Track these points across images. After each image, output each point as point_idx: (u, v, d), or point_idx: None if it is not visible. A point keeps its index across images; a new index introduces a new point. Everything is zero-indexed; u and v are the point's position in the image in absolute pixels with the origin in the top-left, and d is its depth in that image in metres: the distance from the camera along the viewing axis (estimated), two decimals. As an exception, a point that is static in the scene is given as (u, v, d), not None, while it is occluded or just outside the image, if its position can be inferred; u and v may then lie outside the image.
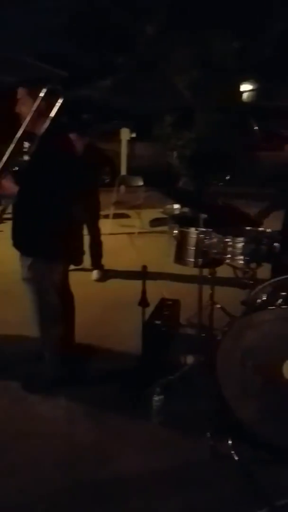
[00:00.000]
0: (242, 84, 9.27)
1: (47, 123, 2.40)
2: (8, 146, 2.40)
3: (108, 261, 4.68)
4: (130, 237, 6.06)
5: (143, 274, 2.75)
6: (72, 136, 4.28)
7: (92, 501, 1.97)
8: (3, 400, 2.62)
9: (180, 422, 2.43)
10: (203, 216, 2.69)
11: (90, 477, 2.10)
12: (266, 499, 1.77)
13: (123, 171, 8.97)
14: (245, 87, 10.62)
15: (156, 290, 4.08)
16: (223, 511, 1.93)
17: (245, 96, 10.04)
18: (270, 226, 2.74)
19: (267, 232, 2.67)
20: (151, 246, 5.51)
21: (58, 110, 2.39)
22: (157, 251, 4.88)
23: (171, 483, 2.08)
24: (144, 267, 2.75)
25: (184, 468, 2.16)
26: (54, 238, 2.50)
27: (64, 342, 2.71)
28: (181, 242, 2.90)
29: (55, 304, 2.60)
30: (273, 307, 1.58)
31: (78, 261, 2.84)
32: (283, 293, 1.78)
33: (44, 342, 2.70)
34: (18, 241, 2.58)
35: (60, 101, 2.40)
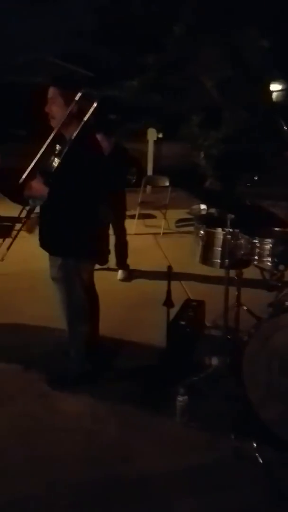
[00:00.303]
0: (271, 84, 9.13)
1: (78, 126, 2.42)
2: (39, 147, 2.43)
3: (133, 261, 4.69)
4: (155, 237, 6.06)
5: (168, 275, 2.74)
6: (99, 136, 4.34)
7: (114, 498, 1.99)
8: (29, 396, 2.66)
9: (203, 423, 2.42)
10: (230, 216, 2.66)
11: (113, 474, 2.11)
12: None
13: (149, 171, 8.98)
14: (275, 86, 10.47)
15: (181, 291, 4.09)
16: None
17: (274, 95, 9.88)
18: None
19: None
20: (176, 247, 5.49)
21: (91, 114, 2.41)
22: (182, 252, 4.87)
23: (194, 484, 2.07)
24: (169, 267, 2.75)
25: (207, 469, 2.14)
26: (83, 238, 2.52)
27: (89, 340, 2.73)
28: (208, 243, 2.88)
29: (83, 303, 2.63)
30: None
31: (104, 260, 2.86)
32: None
33: (71, 340, 2.73)
34: (47, 242, 2.62)
35: (94, 105, 2.41)
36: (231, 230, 2.66)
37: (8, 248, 2.76)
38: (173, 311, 2.94)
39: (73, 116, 2.42)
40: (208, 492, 2.01)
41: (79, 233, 2.51)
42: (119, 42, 9.27)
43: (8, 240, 2.87)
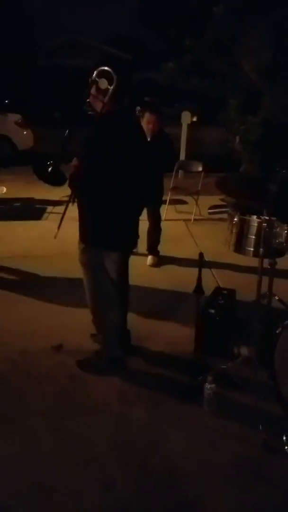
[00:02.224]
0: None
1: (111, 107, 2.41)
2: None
3: (163, 247, 4.66)
4: (186, 223, 6.00)
5: (200, 262, 2.70)
6: (152, 116, 4.25)
7: (141, 483, 2.01)
8: (60, 377, 2.71)
9: (231, 413, 2.40)
10: (266, 207, 2.58)
11: (140, 459, 2.13)
12: None
13: (182, 156, 8.85)
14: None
15: (212, 279, 4.05)
16: (280, 506, 1.89)
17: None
18: None
19: None
20: (207, 234, 5.42)
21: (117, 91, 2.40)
22: (213, 239, 4.80)
23: (220, 473, 2.07)
24: (201, 254, 2.71)
25: (236, 459, 2.13)
26: (105, 226, 2.51)
27: (118, 326, 2.74)
28: (241, 231, 2.81)
29: (106, 289, 2.62)
30: None
31: (130, 248, 2.83)
32: None
33: (97, 325, 2.75)
34: (79, 225, 2.63)
35: (114, 83, 2.39)
36: (266, 218, 2.59)
37: (59, 227, 2.76)
38: (204, 299, 2.91)
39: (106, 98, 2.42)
40: (243, 484, 2.00)
41: (101, 220, 2.50)
42: (159, 25, 9.10)
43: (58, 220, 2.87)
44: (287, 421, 1.73)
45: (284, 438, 1.75)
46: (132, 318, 3.01)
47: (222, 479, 2.03)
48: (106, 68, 2.41)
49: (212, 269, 4.27)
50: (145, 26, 9.96)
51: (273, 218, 2.55)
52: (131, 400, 2.52)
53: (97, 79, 2.42)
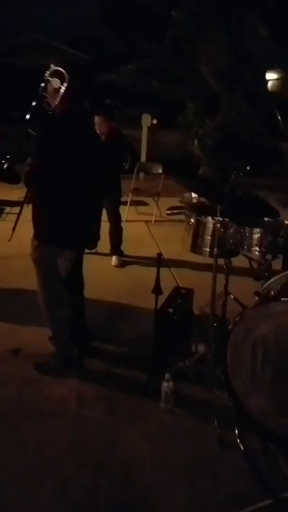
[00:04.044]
0: (268, 73, 9.06)
1: (69, 106, 2.42)
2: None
3: (125, 248, 4.69)
4: (147, 224, 6.05)
5: (158, 262, 2.74)
6: (98, 118, 4.29)
7: (99, 483, 2.01)
8: (16, 381, 2.67)
9: (188, 409, 2.45)
10: (220, 206, 2.66)
11: (98, 459, 2.13)
12: (271, 490, 1.78)
13: (143, 157, 8.92)
14: (271, 76, 10.38)
15: (171, 279, 4.11)
16: (226, 500, 1.94)
17: (270, 85, 9.81)
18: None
19: (284, 223, 2.64)
20: (168, 235, 5.50)
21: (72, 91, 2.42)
22: (173, 240, 4.87)
23: (173, 468, 2.10)
24: (159, 255, 2.75)
25: (192, 455, 2.17)
26: (57, 224, 2.51)
27: (72, 326, 2.73)
28: (197, 231, 2.89)
29: (57, 287, 2.62)
30: (285, 299, 1.57)
31: (90, 246, 2.84)
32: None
33: (48, 324, 2.74)
34: (33, 223, 2.61)
35: (66, 83, 2.42)
36: (220, 219, 2.67)
37: (14, 229, 2.73)
38: (163, 298, 2.95)
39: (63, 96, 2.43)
40: (193, 479, 2.04)
41: (55, 218, 2.50)
42: (119, 27, 9.15)
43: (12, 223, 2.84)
44: (239, 415, 1.79)
45: (236, 431, 1.81)
46: (92, 318, 3.01)
47: (174, 474, 2.06)
48: (58, 68, 2.42)
49: (172, 269, 4.33)
50: (105, 27, 9.99)
51: (226, 220, 2.63)
52: (89, 401, 2.52)
53: (49, 78, 2.43)
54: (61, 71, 2.45)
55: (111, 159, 3.96)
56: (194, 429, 2.33)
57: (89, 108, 4.50)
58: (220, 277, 3.00)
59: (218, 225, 2.55)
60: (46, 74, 2.46)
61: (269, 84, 10.40)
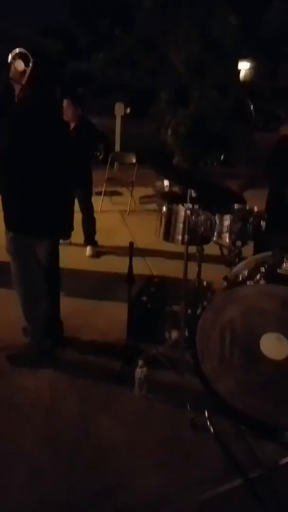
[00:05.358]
0: (240, 62, 9.10)
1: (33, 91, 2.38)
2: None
3: (100, 238, 4.67)
4: (122, 214, 6.03)
5: (130, 251, 2.74)
6: (64, 102, 4.24)
7: (74, 471, 2.02)
8: (-12, 372, 2.64)
9: (162, 395, 2.47)
10: (190, 192, 2.67)
11: (73, 448, 2.14)
12: (241, 471, 1.82)
13: (117, 147, 8.85)
14: (243, 65, 10.43)
15: (146, 267, 4.12)
16: (199, 482, 1.97)
17: (243, 74, 9.87)
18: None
19: (254, 210, 2.67)
20: (142, 224, 5.49)
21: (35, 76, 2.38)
22: (147, 229, 4.85)
23: (147, 453, 2.12)
24: (131, 244, 2.75)
25: (164, 439, 2.20)
26: (32, 213, 2.47)
27: (48, 317, 2.71)
28: (169, 219, 2.89)
29: (34, 279, 2.60)
30: (251, 283, 1.60)
31: (65, 236, 2.82)
32: (263, 269, 1.79)
33: (25, 316, 2.71)
34: (4, 214, 2.57)
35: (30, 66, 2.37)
36: (191, 206, 2.68)
37: None
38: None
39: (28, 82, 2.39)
40: (167, 463, 2.07)
41: (27, 208, 2.46)
42: (89, 15, 9.01)
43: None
44: (208, 398, 1.82)
45: (206, 414, 1.85)
46: (67, 309, 3.00)
47: (148, 459, 2.09)
48: (22, 50, 2.37)
49: (146, 258, 4.34)
50: (75, 16, 9.83)
51: (196, 207, 2.64)
52: (63, 391, 2.51)
53: (13, 60, 2.38)
54: (25, 54, 2.39)
55: (80, 148, 3.93)
56: (167, 414, 2.36)
57: (60, 96, 4.45)
58: (194, 265, 3.03)
59: (188, 211, 2.56)
60: (10, 57, 2.40)
61: (243, 73, 10.47)
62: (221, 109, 7.23)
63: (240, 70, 9.93)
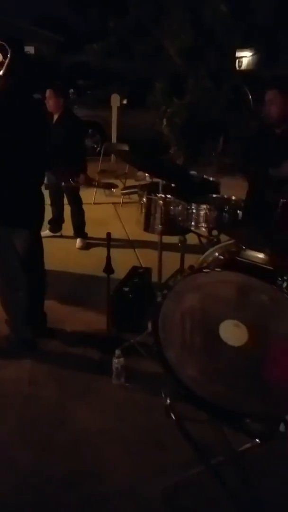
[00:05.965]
0: (236, 51, 8.99)
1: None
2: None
3: (92, 231, 4.68)
4: (115, 206, 6.04)
5: (108, 242, 2.76)
6: (47, 92, 4.24)
7: (47, 458, 2.05)
8: None
9: (139, 384, 2.50)
10: (168, 183, 2.68)
11: (48, 436, 2.17)
12: (203, 457, 1.84)
13: (114, 139, 8.81)
14: (245, 53, 10.29)
15: (135, 259, 4.13)
16: (171, 468, 2.00)
17: (239, 63, 9.75)
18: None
19: (231, 199, 2.67)
20: (135, 216, 5.48)
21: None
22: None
23: (122, 441, 2.15)
24: (108, 234, 2.76)
25: (139, 427, 2.23)
26: (7, 203, 2.48)
27: (28, 308, 2.74)
28: (149, 210, 2.91)
29: (12, 269, 2.61)
30: (209, 270, 1.60)
31: (41, 226, 2.82)
32: (222, 257, 1.80)
33: (4, 306, 2.74)
34: None
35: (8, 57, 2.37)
36: (169, 197, 2.68)
37: None
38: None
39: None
40: (141, 451, 2.09)
41: (1, 197, 2.47)
42: (82, 4, 8.94)
43: None
44: (173, 385, 1.84)
45: (168, 401, 1.86)
46: (52, 301, 3.02)
47: (123, 447, 2.12)
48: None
49: (136, 250, 4.35)
50: (69, 5, 9.77)
51: (174, 197, 2.65)
52: (41, 381, 2.55)
53: None
54: (2, 45, 2.39)
55: (67, 138, 3.94)
56: (144, 402, 2.38)
57: (61, 88, 4.48)
58: (177, 255, 3.04)
59: (161, 202, 2.56)
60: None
61: (245, 61, 10.32)
62: (216, 98, 7.16)
63: (239, 59, 9.82)
